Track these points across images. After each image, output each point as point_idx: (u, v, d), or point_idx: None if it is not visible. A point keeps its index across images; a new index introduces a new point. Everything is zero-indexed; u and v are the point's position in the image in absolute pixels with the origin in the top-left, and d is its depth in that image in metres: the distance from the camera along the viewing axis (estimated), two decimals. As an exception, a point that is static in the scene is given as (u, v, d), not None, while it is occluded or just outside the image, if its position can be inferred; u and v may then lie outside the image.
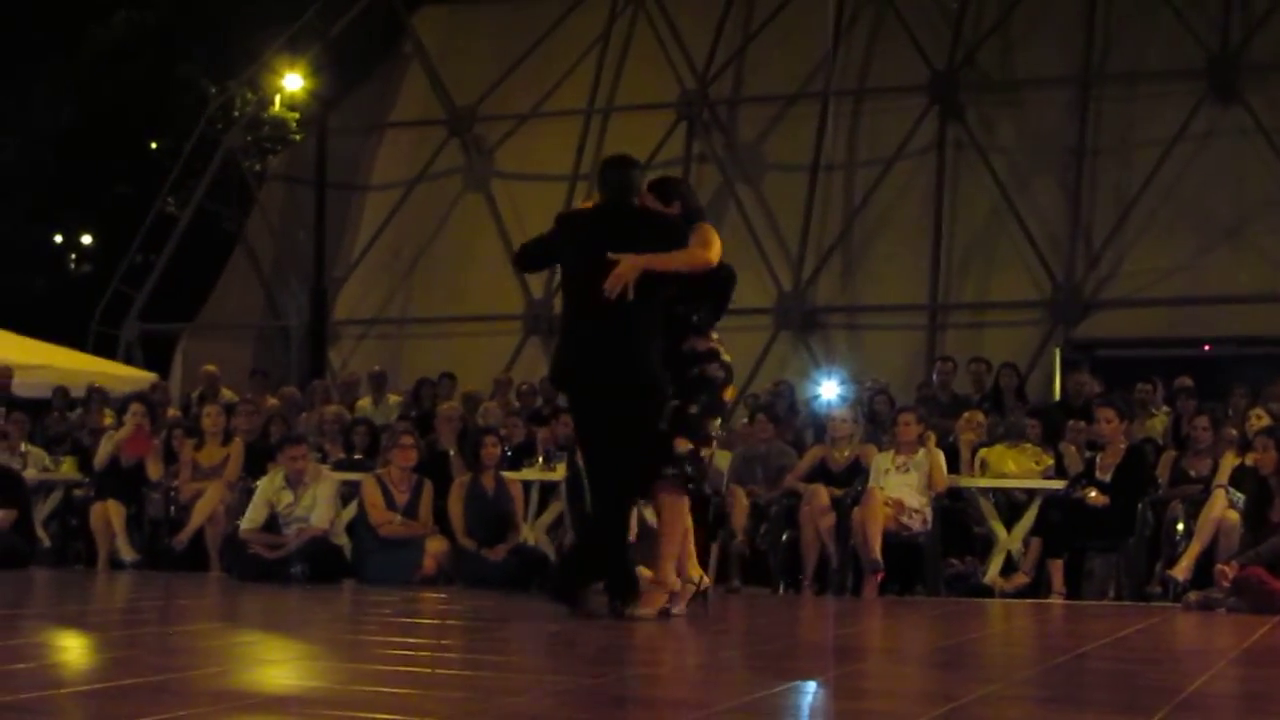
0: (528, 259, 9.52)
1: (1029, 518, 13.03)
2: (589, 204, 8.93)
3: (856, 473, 13.13)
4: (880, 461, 12.88)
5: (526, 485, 13.80)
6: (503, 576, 12.29)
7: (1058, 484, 13.13)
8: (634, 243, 8.70)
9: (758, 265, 23.43)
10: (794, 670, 6.84)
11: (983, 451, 13.95)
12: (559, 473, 13.22)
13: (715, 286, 9.06)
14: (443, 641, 7.80)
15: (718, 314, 9.18)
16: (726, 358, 9.13)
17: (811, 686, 5.99)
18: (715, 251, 8.87)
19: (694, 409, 8.87)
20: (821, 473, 13.29)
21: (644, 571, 9.26)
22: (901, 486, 12.63)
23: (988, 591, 12.74)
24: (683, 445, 8.80)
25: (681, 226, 8.90)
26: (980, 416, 14.74)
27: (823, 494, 12.81)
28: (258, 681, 5.95)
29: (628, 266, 8.54)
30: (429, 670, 6.29)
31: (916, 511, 12.59)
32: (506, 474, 13.39)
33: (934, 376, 17.93)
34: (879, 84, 24.08)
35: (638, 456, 8.73)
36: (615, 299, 8.49)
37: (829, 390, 18.35)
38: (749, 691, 5.72)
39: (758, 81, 24.98)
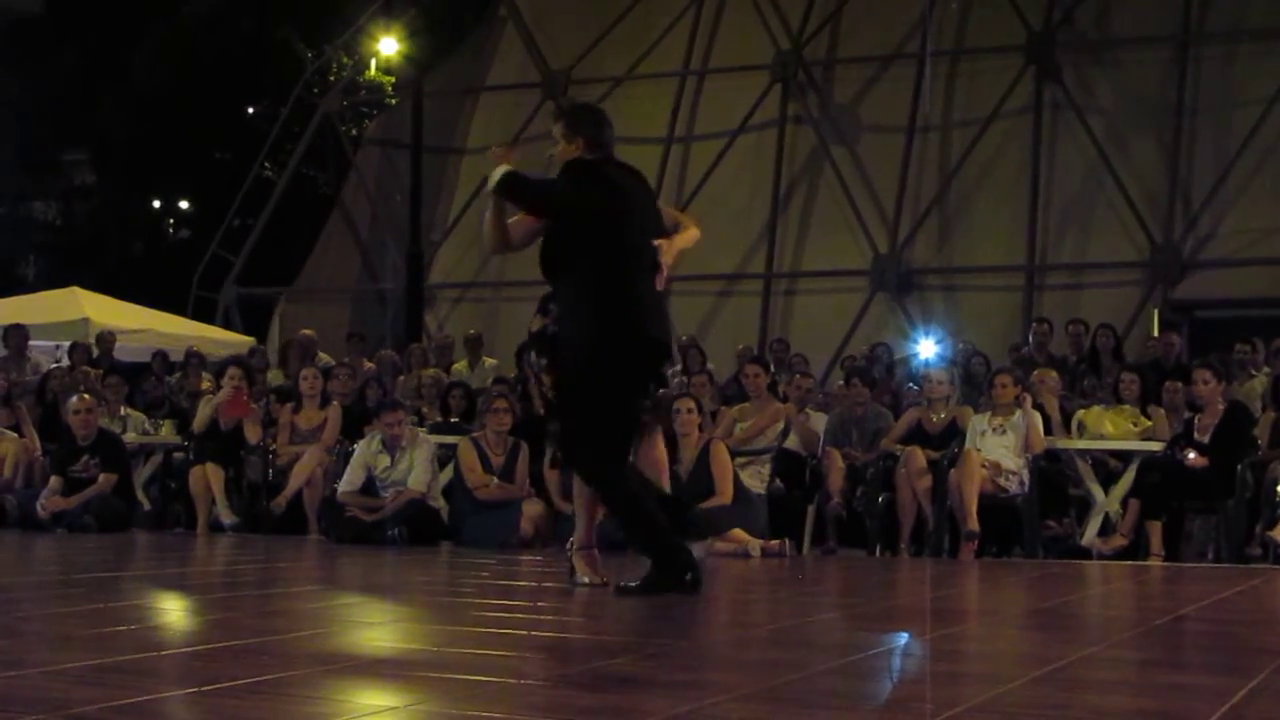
0: (562, 207, 8.17)
1: (1127, 479, 12.92)
2: (579, 154, 8.34)
3: (953, 435, 13.05)
4: (977, 423, 12.80)
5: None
6: (599, 538, 12.28)
7: (1155, 446, 13.01)
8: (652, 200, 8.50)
9: (853, 227, 23.38)
10: (891, 632, 6.82)
11: (1080, 413, 13.83)
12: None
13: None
14: (539, 604, 7.82)
15: None
16: None
17: (909, 648, 5.97)
18: None
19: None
20: (918, 435, 13.22)
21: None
22: (998, 448, 12.55)
23: (1085, 553, 12.64)
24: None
25: None
26: (1053, 374, 14.52)
27: (919, 456, 12.75)
28: (356, 644, 5.99)
29: (689, 237, 8.31)
30: (525, 633, 6.31)
31: (1013, 473, 12.50)
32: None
33: (1030, 338, 17.80)
34: (975, 44, 23.90)
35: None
36: (649, 258, 8.09)
37: (926, 351, 18.26)
38: (846, 654, 5.71)
39: (853, 42, 24.86)
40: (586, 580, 8.37)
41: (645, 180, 8.44)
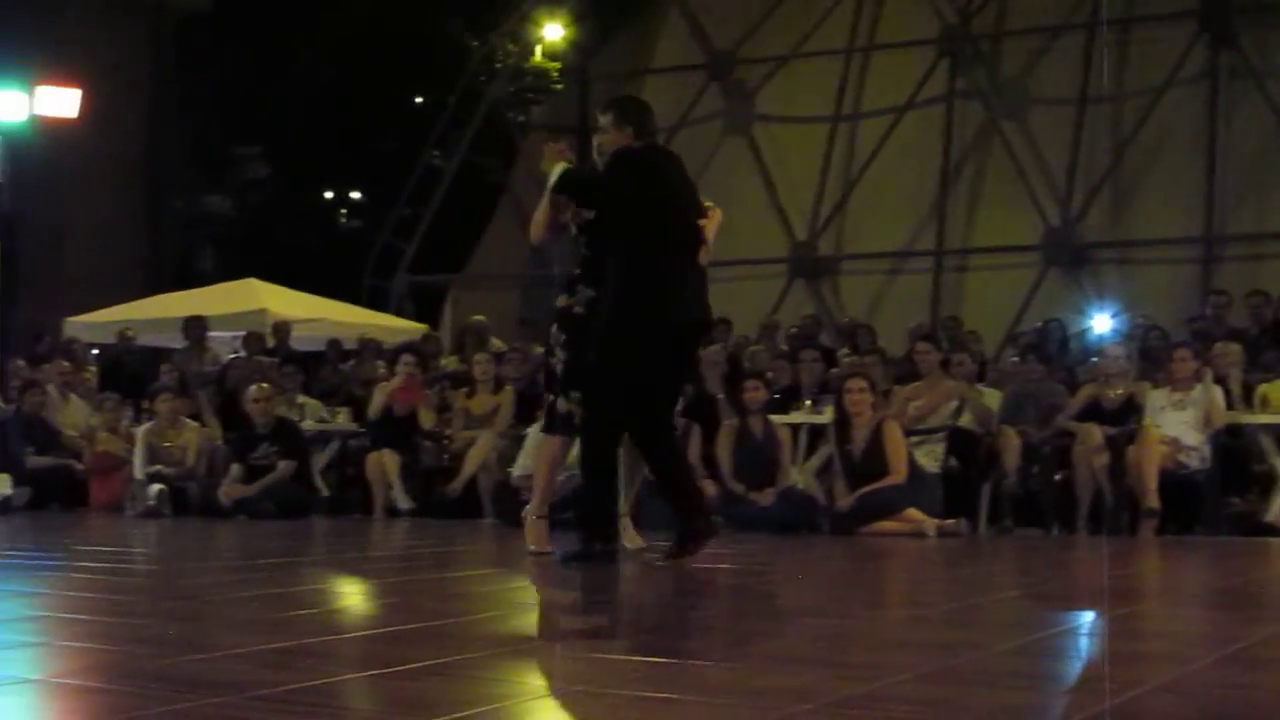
0: (620, 199, 8.48)
1: (1313, 454, 12.68)
2: (628, 142, 8.64)
3: (1130, 411, 12.87)
4: (1155, 399, 12.62)
5: (794, 428, 13.76)
6: (771, 520, 12.28)
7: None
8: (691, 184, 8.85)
9: (1024, 202, 23.12)
10: (1070, 611, 6.74)
11: (1263, 388, 13.58)
12: (827, 415, 13.16)
13: None
14: (712, 585, 7.82)
15: None
16: None
17: (1088, 627, 5.90)
18: None
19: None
20: (1094, 411, 13.05)
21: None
22: (1178, 424, 12.36)
23: (1270, 530, 12.42)
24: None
25: None
26: (1235, 347, 14.27)
27: (1096, 433, 12.59)
28: (532, 626, 6.02)
29: (717, 218, 8.81)
30: (695, 613, 6.31)
31: (1194, 449, 12.31)
32: (774, 417, 13.36)
33: (1208, 310, 17.49)
34: (1147, 12, 23.52)
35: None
36: (693, 239, 8.55)
37: (1100, 326, 18.03)
38: (1026, 633, 5.65)
39: (1021, 14, 24.55)
40: (535, 549, 8.91)
41: (683, 165, 8.87)
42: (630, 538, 9.19)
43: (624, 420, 8.53)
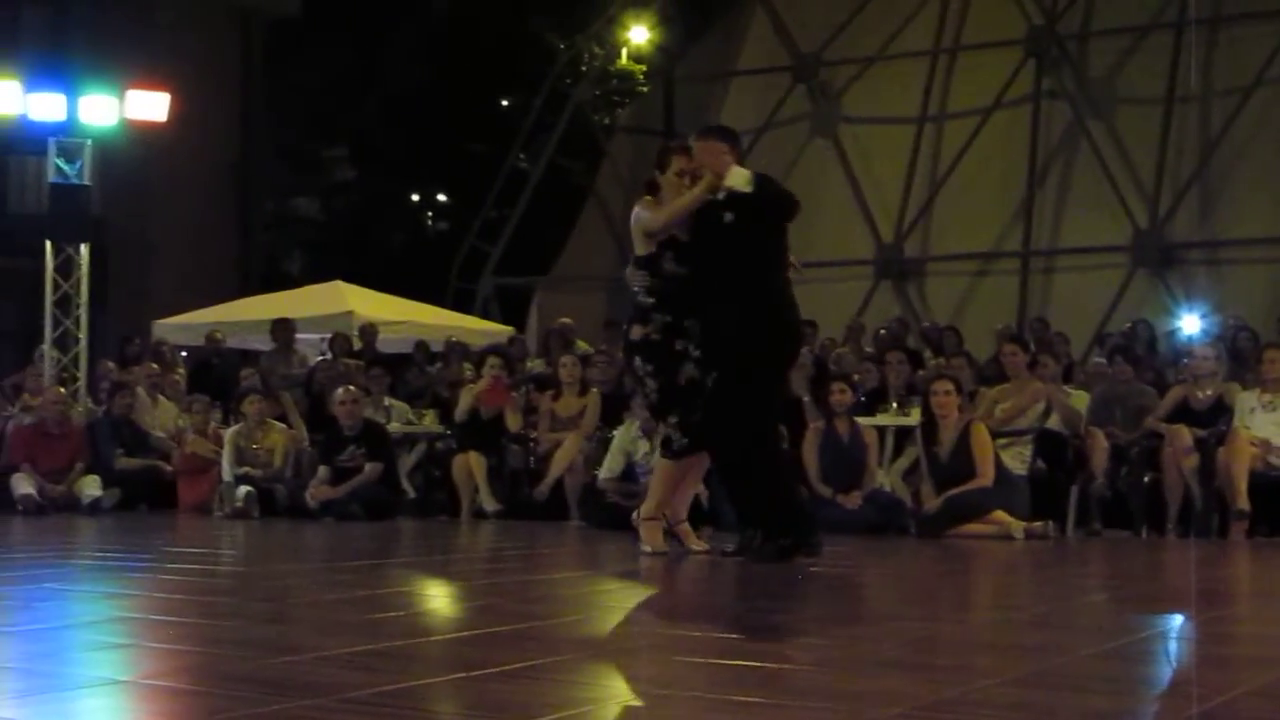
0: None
1: (1407, 456, 12.52)
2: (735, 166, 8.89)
3: (1220, 412, 12.75)
4: (1245, 400, 12.50)
5: (880, 430, 13.71)
6: (858, 522, 12.25)
7: None
8: None
9: (1112, 202, 22.98)
10: (1159, 615, 6.69)
11: (1355, 388, 13.43)
12: (913, 417, 13.12)
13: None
14: (800, 588, 7.80)
15: None
16: None
17: (1177, 631, 5.86)
18: None
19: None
20: (1183, 413, 12.94)
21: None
22: (1269, 425, 12.24)
23: (1363, 533, 12.29)
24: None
25: None
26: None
27: (1185, 434, 12.49)
28: (618, 629, 6.02)
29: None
30: (782, 618, 6.30)
31: (1284, 451, 12.19)
32: (860, 419, 13.32)
33: (1300, 311, 17.35)
34: (1235, 11, 23.31)
35: None
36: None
37: (1189, 327, 17.89)
38: (1114, 637, 5.61)
39: (1108, 13, 24.42)
40: (650, 549, 9.13)
41: None
42: (693, 541, 9.40)
43: (764, 426, 8.92)
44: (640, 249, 9.07)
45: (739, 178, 8.66)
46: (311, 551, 10.79)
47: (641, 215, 9.06)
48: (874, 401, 14.41)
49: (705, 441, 8.93)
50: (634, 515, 9.65)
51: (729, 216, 8.73)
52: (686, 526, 9.51)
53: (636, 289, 9.08)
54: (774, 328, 8.86)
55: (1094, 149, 23.45)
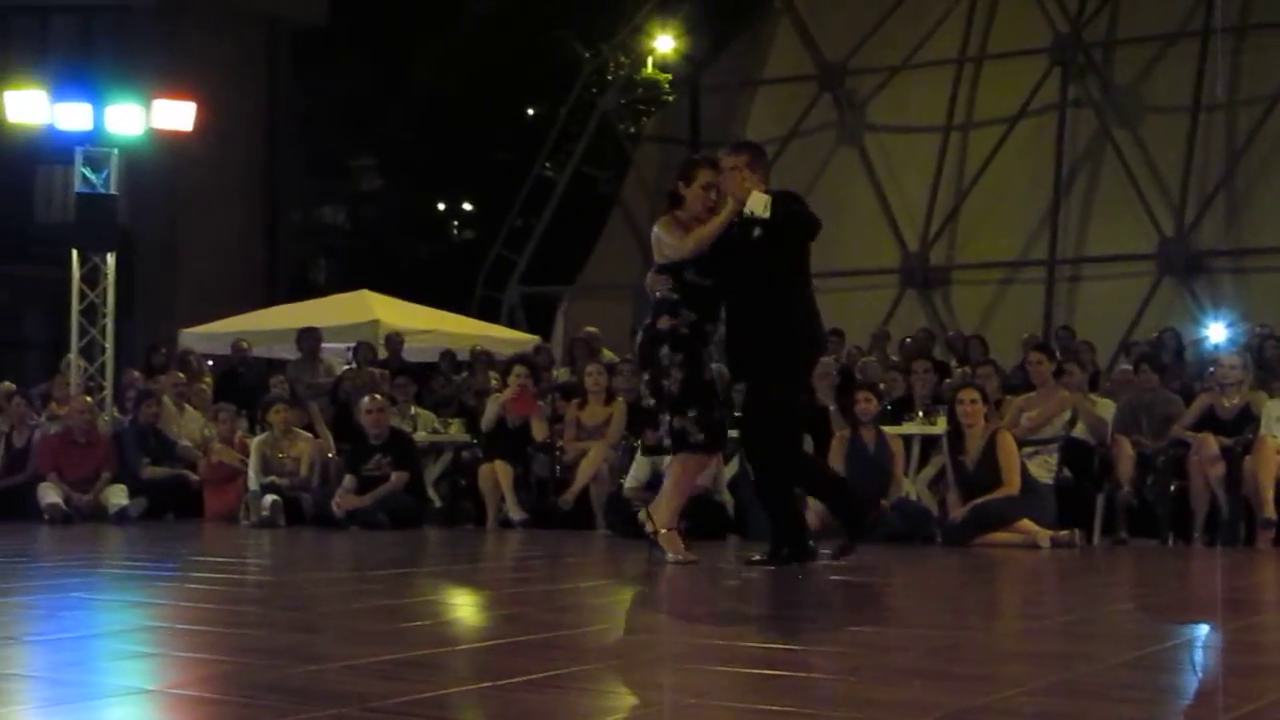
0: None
1: None
2: (762, 185, 9.04)
3: (1247, 420, 12.72)
4: (1272, 408, 12.47)
5: (906, 439, 13.69)
6: (885, 531, 12.22)
7: None
8: None
9: (1138, 211, 22.94)
10: (1186, 623, 6.68)
11: (1382, 397, 13.40)
12: (939, 426, 13.10)
13: None
14: (826, 596, 7.80)
15: None
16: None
17: (1205, 640, 5.84)
18: None
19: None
20: (1209, 421, 12.91)
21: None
22: (1295, 434, 12.21)
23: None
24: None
25: None
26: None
27: (1212, 443, 12.46)
28: (644, 638, 6.03)
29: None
30: (811, 626, 6.30)
31: (1312, 459, 12.15)
32: (886, 428, 13.30)
33: (1326, 318, 17.30)
34: (1262, 20, 23.26)
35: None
36: None
37: (1216, 335, 17.84)
38: (1141, 645, 5.61)
39: (1133, 22, 24.36)
40: (672, 558, 9.16)
41: None
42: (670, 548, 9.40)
43: (791, 434, 9.37)
44: (660, 258, 9.17)
45: (758, 203, 8.82)
46: (338, 560, 10.81)
47: (664, 239, 9.15)
48: (900, 410, 14.38)
49: (750, 456, 9.54)
50: (639, 516, 9.71)
51: (757, 232, 8.90)
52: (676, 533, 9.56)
53: (658, 293, 9.15)
54: (798, 341, 9.14)
55: (1120, 157, 23.40)
